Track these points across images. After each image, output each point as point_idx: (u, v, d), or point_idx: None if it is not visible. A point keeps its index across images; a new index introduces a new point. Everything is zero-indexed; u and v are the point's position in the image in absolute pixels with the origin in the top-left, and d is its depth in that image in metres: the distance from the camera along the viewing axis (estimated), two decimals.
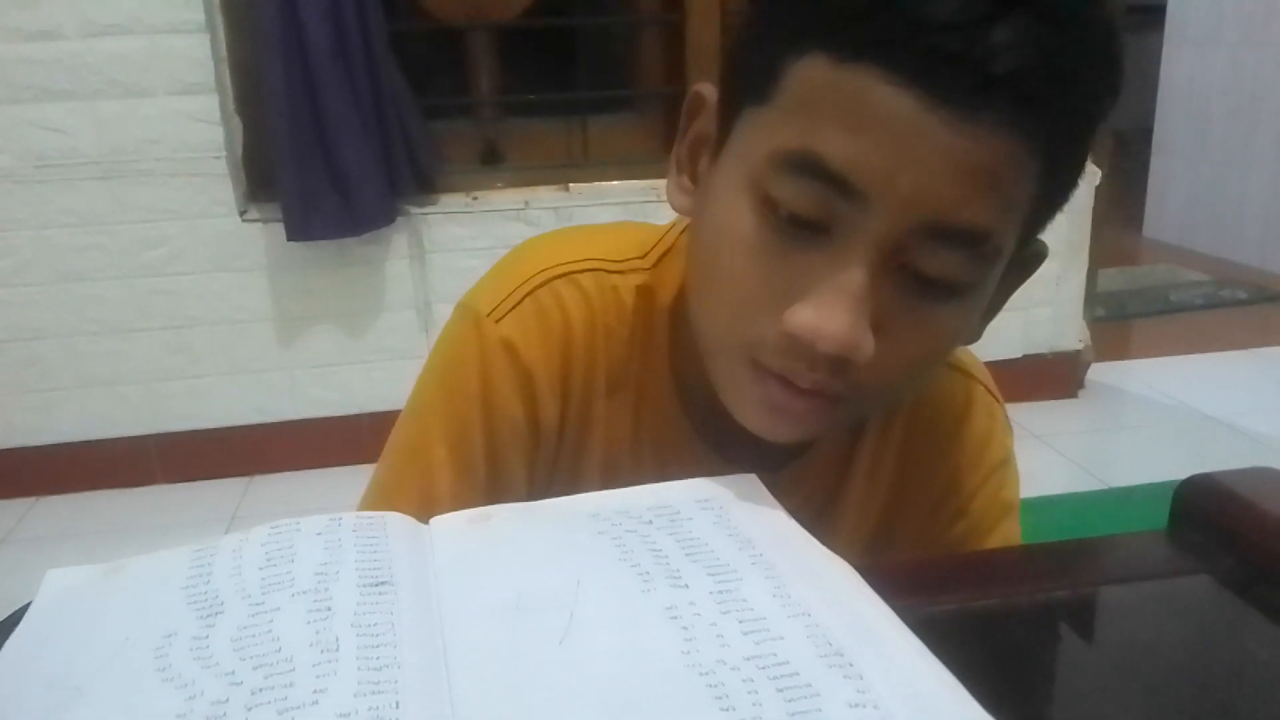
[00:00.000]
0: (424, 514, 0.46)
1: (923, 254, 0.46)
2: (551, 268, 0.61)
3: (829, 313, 0.46)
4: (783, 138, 0.46)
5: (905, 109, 0.43)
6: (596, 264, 0.62)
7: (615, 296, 0.62)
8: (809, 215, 0.46)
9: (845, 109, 0.44)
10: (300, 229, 2.16)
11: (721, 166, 0.52)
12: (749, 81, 0.49)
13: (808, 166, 0.45)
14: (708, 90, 0.55)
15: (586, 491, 0.48)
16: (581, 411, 0.62)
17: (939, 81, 0.42)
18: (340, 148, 2.12)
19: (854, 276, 0.46)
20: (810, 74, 0.45)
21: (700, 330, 0.54)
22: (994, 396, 0.67)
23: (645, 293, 0.62)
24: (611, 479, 0.62)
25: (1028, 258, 0.54)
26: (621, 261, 0.63)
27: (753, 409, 0.52)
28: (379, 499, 0.62)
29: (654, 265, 0.63)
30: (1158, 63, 4.39)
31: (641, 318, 0.62)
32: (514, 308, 0.60)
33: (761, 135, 0.48)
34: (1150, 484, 2.04)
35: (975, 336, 0.55)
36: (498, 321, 0.60)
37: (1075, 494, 2.22)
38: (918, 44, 0.42)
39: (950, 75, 0.42)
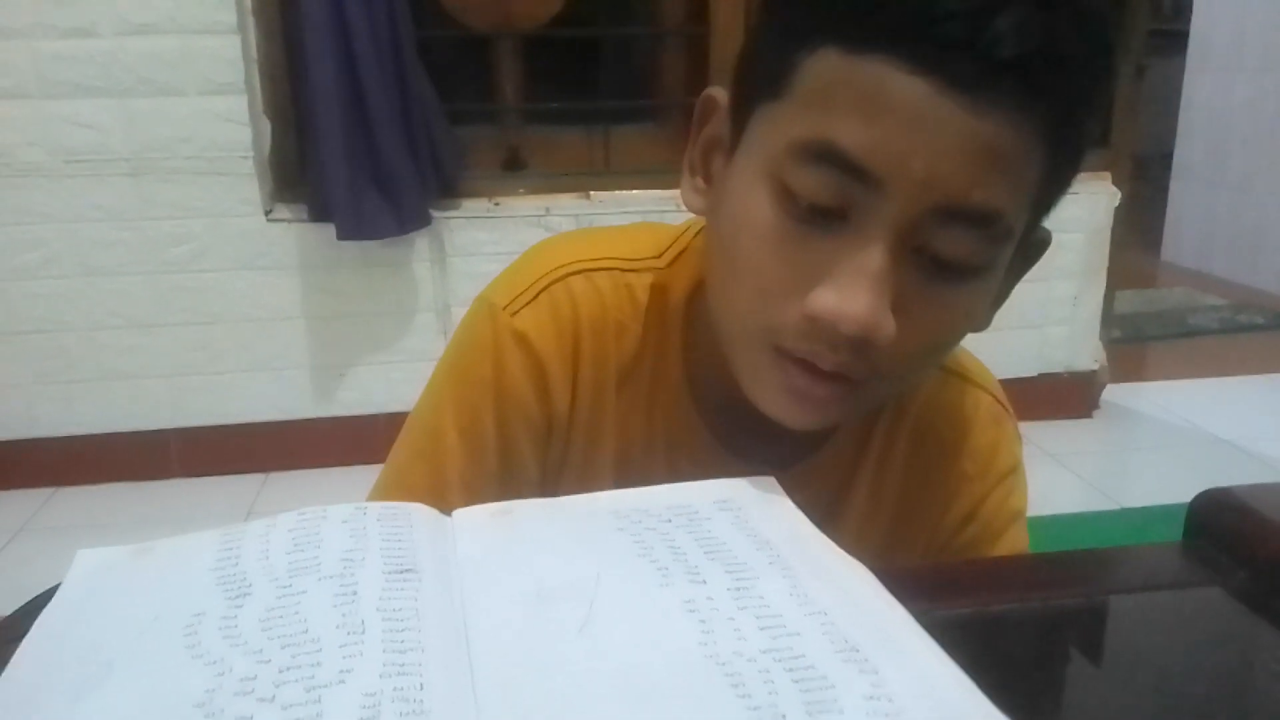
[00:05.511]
0: (434, 497, 0.46)
1: (938, 236, 0.47)
2: (568, 264, 0.63)
3: (850, 294, 0.47)
4: (799, 129, 0.48)
5: (917, 95, 0.44)
6: (612, 263, 0.63)
7: (630, 294, 0.63)
8: (827, 203, 0.48)
9: (858, 98, 0.46)
10: (352, 228, 2.19)
11: (737, 164, 0.53)
12: (762, 80, 0.51)
13: (824, 155, 0.47)
14: (719, 93, 0.57)
15: (600, 484, 0.49)
16: (593, 405, 0.63)
17: (948, 68, 0.44)
18: (384, 150, 2.15)
19: (873, 259, 0.47)
20: (823, 67, 0.47)
21: (721, 321, 0.55)
22: (1002, 405, 0.67)
23: (659, 291, 0.63)
24: (624, 472, 0.63)
25: (1033, 244, 0.55)
26: (637, 260, 0.64)
27: (775, 395, 0.53)
28: (392, 481, 0.64)
29: (669, 265, 0.64)
30: (1179, 87, 4.38)
31: (655, 315, 0.63)
32: (530, 302, 0.62)
33: (777, 129, 0.49)
34: (1163, 505, 2.04)
35: (985, 324, 0.56)
36: (513, 315, 0.61)
37: (1088, 513, 2.22)
38: (926, 33, 0.44)
39: (959, 62, 0.44)
